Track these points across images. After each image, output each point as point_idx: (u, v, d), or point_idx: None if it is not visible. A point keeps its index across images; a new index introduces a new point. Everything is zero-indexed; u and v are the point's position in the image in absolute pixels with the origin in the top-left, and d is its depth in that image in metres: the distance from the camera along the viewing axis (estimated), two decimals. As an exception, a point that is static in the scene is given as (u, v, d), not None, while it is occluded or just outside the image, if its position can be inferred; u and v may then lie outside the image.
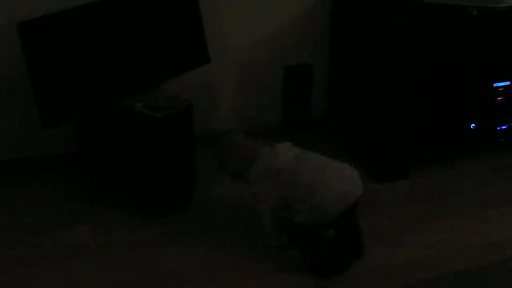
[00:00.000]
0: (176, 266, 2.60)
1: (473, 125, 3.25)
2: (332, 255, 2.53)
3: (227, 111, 3.47)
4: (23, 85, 2.72)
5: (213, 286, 2.51)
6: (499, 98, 3.25)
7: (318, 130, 3.57)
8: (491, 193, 3.10)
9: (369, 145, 3.24)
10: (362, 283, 2.51)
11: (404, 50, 2.92)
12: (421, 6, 3.09)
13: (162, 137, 2.75)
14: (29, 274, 2.55)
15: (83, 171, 3.09)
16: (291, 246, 2.57)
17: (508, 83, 3.23)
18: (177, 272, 2.57)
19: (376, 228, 2.79)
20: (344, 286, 2.50)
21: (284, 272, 2.55)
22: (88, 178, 3.07)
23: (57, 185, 3.11)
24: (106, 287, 2.50)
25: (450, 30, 3.01)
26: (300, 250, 2.55)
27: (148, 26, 2.85)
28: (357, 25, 3.22)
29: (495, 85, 3.22)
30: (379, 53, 3.04)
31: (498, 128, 3.32)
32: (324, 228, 2.50)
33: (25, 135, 3.09)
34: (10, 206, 2.96)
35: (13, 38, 2.48)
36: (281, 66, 3.42)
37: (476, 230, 2.84)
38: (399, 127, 3.06)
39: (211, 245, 2.71)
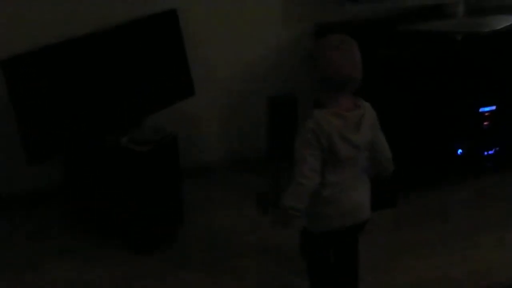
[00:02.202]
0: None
1: (460, 150, 3.26)
2: (328, 277, 2.47)
3: (212, 143, 3.46)
4: (6, 121, 2.72)
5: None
6: (485, 123, 3.26)
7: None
8: (479, 219, 3.09)
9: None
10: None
11: (387, 80, 2.94)
12: (405, 34, 3.12)
13: (148, 171, 2.74)
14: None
15: (69, 206, 3.07)
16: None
17: (494, 107, 3.24)
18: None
19: (366, 256, 2.77)
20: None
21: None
22: (74, 213, 3.05)
23: (43, 220, 3.08)
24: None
25: (435, 56, 3.03)
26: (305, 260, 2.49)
27: (133, 60, 2.86)
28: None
29: (481, 110, 3.23)
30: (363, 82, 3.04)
31: (485, 153, 3.32)
32: (329, 240, 2.42)
33: (10, 170, 3.07)
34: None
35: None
36: (265, 97, 3.39)
37: (464, 256, 2.83)
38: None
39: (198, 278, 2.69)
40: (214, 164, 3.46)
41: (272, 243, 2.87)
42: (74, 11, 2.93)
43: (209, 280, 2.68)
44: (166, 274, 2.73)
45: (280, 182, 2.32)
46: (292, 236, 2.44)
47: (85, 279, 2.70)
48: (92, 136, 2.76)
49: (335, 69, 2.12)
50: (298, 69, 3.28)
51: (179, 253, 2.86)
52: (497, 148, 3.33)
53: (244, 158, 3.47)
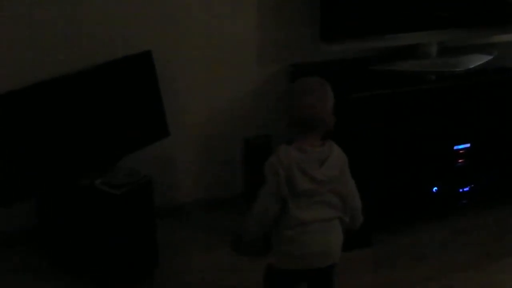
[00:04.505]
0: None
1: (435, 188, 3.27)
2: None
3: (188, 183, 3.44)
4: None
5: None
6: (460, 161, 3.27)
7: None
8: (454, 258, 3.09)
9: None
10: None
11: (361, 119, 2.95)
12: (379, 74, 3.15)
13: (121, 213, 2.72)
14: None
15: (42, 246, 3.04)
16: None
17: (468, 145, 3.26)
18: None
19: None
20: None
21: None
22: (47, 254, 3.02)
23: (18, 261, 3.04)
24: None
25: (409, 96, 3.05)
26: None
27: (107, 101, 2.85)
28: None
29: (455, 147, 3.25)
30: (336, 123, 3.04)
31: (460, 190, 3.33)
32: (291, 278, 2.41)
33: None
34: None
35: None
36: (240, 138, 3.42)
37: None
38: (363, 194, 3.05)
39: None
40: (189, 205, 3.44)
41: (249, 285, 2.86)
42: (48, 52, 2.93)
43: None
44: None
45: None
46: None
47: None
48: (65, 178, 2.74)
49: (307, 112, 2.20)
50: (273, 110, 3.30)
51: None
52: (472, 185, 3.34)
53: (220, 199, 3.46)
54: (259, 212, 2.25)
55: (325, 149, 2.25)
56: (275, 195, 2.21)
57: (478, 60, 3.25)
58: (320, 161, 2.22)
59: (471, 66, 3.18)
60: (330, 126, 2.26)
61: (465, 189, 3.34)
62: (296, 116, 2.22)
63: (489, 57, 3.30)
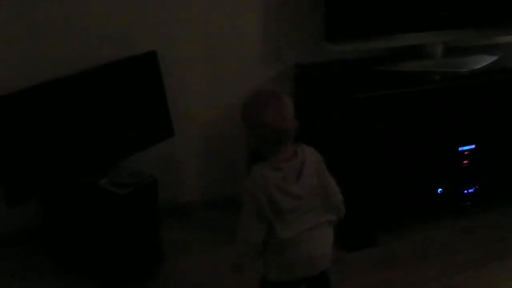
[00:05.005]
0: None
1: (440, 189, 3.27)
2: None
3: (191, 184, 3.45)
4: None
5: None
6: (465, 162, 3.27)
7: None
8: (457, 258, 3.08)
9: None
10: None
11: (367, 120, 2.95)
12: (384, 74, 3.15)
13: (126, 213, 2.73)
14: None
15: (45, 246, 3.05)
16: None
17: (473, 146, 3.26)
18: None
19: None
20: None
21: None
22: (51, 254, 3.02)
23: (20, 261, 3.04)
24: None
25: (414, 96, 3.05)
26: None
27: (112, 101, 2.86)
28: (318, 94, 3.24)
29: (460, 149, 3.24)
30: (340, 123, 3.07)
31: (465, 191, 3.33)
32: None
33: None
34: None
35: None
36: (243, 138, 3.34)
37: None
38: (367, 195, 3.07)
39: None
40: (192, 204, 3.45)
41: (252, 285, 2.86)
42: (54, 52, 2.93)
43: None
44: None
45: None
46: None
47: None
48: (70, 178, 2.74)
49: (268, 125, 2.12)
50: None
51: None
52: (476, 187, 3.34)
53: (222, 200, 3.45)
54: (246, 237, 2.18)
55: (298, 159, 2.19)
56: (258, 217, 2.14)
57: (483, 61, 3.25)
58: (297, 174, 2.17)
59: (476, 67, 3.18)
60: (292, 135, 2.19)
61: (469, 190, 3.34)
62: (266, 133, 2.14)
63: (494, 58, 3.30)
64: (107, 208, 2.73)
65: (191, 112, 3.29)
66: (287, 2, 3.25)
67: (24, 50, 2.91)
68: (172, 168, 3.37)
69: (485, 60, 3.27)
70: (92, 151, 2.80)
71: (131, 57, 2.91)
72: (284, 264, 2.23)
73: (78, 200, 2.82)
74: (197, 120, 3.32)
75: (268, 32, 3.29)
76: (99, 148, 2.83)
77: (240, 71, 3.30)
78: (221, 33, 3.22)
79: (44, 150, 2.65)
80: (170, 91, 3.06)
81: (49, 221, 3.00)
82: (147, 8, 3.05)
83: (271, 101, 2.14)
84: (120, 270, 2.82)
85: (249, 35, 3.27)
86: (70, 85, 2.72)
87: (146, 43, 2.99)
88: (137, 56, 2.92)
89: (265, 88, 2.20)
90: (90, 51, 2.96)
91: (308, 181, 2.18)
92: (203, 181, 3.47)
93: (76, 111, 2.73)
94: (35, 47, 2.92)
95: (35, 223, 3.07)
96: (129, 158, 2.91)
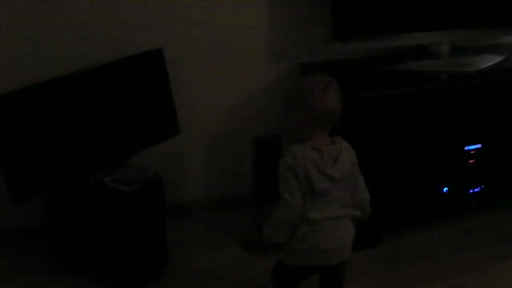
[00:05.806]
0: None
1: (445, 189, 3.26)
2: None
3: (197, 182, 3.45)
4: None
5: None
6: (470, 161, 3.26)
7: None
8: (462, 258, 3.07)
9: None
10: None
11: (372, 119, 2.95)
12: (390, 74, 3.14)
13: (131, 211, 2.72)
14: None
15: (51, 244, 3.05)
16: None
17: (479, 145, 3.25)
18: None
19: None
20: None
21: None
22: (56, 251, 3.02)
23: (25, 259, 3.04)
24: None
25: (420, 95, 3.04)
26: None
27: (118, 99, 2.86)
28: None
29: (466, 148, 3.24)
30: (346, 123, 3.04)
31: (471, 191, 3.32)
32: (300, 274, 2.43)
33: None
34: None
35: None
36: (250, 137, 3.42)
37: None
38: (372, 195, 3.05)
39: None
40: (197, 203, 3.45)
41: (257, 283, 2.86)
42: (60, 50, 2.94)
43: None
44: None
45: (265, 222, 2.36)
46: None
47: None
48: (75, 175, 2.74)
49: (327, 106, 2.23)
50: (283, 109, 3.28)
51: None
52: (482, 186, 3.33)
53: (229, 198, 3.46)
54: (284, 214, 2.23)
55: (336, 146, 2.28)
56: (299, 191, 2.21)
57: (489, 61, 3.24)
58: (333, 158, 2.25)
59: (482, 67, 3.17)
60: (337, 121, 2.31)
61: (475, 190, 3.33)
62: (317, 113, 2.23)
63: (501, 58, 3.29)
64: (112, 206, 2.73)
65: (197, 111, 3.29)
66: (292, 1, 3.25)
67: (32, 47, 2.92)
68: (178, 166, 3.37)
69: (492, 60, 3.25)
70: (98, 149, 2.81)
71: (137, 55, 2.91)
72: (303, 249, 2.27)
73: (82, 198, 2.82)
74: (203, 118, 3.32)
75: (275, 31, 3.28)
76: (105, 146, 2.83)
77: (246, 70, 3.29)
78: (227, 32, 3.22)
79: (50, 147, 2.65)
80: (175, 90, 3.05)
81: (52, 219, 3.00)
82: (154, 7, 3.05)
83: (329, 84, 2.25)
84: (125, 269, 2.82)
85: (254, 34, 3.27)
86: (77, 82, 2.72)
87: (152, 41, 2.99)
88: (143, 53, 2.92)
89: (321, 74, 2.30)
90: (97, 48, 2.95)
91: (342, 168, 2.27)
92: (209, 180, 3.46)
93: (83, 109, 2.74)
94: (40, 46, 2.93)
95: (37, 221, 3.08)
96: (135, 156, 2.91)
